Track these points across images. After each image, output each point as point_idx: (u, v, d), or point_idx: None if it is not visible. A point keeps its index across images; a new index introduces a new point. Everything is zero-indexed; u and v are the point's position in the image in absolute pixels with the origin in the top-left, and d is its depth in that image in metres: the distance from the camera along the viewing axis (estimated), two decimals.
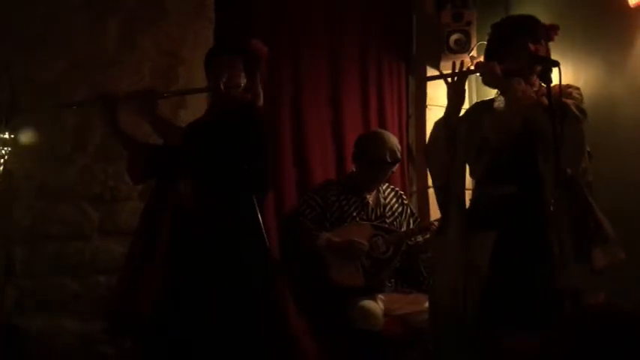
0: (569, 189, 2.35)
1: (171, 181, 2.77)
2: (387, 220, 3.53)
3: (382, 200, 3.56)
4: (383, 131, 3.75)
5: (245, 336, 2.61)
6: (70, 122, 3.80)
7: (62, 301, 3.69)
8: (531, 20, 2.67)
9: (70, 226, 3.78)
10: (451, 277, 2.52)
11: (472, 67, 2.72)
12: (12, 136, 3.61)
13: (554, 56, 2.54)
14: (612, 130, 3.06)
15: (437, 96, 4.14)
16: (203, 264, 2.63)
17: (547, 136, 2.29)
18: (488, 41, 2.75)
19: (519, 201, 2.48)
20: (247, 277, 2.66)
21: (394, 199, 3.61)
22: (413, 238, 3.51)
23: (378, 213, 3.53)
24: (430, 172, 2.79)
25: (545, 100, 2.35)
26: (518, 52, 2.57)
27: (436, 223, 3.43)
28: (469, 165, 2.67)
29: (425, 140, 4.17)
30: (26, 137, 3.67)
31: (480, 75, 2.63)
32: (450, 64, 2.71)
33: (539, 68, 2.53)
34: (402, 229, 3.54)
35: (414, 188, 4.36)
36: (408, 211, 3.64)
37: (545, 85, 2.36)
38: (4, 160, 3.54)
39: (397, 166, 3.61)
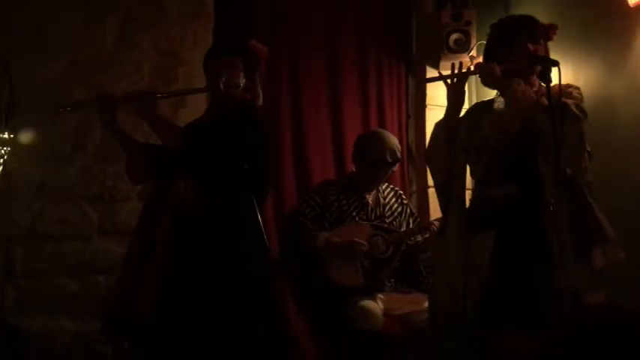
0: (569, 189, 2.35)
1: (171, 182, 2.77)
2: (387, 220, 3.52)
3: (382, 200, 3.56)
4: (383, 131, 3.74)
5: (245, 336, 2.61)
6: (70, 122, 3.80)
7: (61, 301, 3.69)
8: (530, 20, 2.67)
9: (70, 226, 3.79)
10: (451, 276, 2.52)
11: (472, 68, 2.71)
12: (11, 136, 3.61)
13: (554, 56, 2.54)
14: (612, 130, 3.06)
15: (436, 96, 4.14)
16: (203, 264, 2.63)
17: (547, 136, 2.30)
18: (487, 42, 2.75)
19: (519, 201, 2.48)
20: (247, 277, 2.65)
21: (394, 199, 3.61)
22: (412, 238, 3.51)
23: (378, 213, 3.53)
24: (431, 173, 2.79)
25: (545, 100, 2.35)
26: (517, 53, 2.57)
27: (436, 223, 3.43)
28: (469, 165, 2.66)
29: (425, 140, 4.18)
30: (26, 137, 3.67)
31: (479, 76, 2.63)
32: (449, 63, 2.71)
33: (538, 68, 2.54)
34: (402, 229, 3.53)
35: (414, 188, 4.36)
36: (408, 210, 3.64)
37: (545, 85, 2.36)
38: (4, 160, 3.54)
39: (397, 165, 3.61)
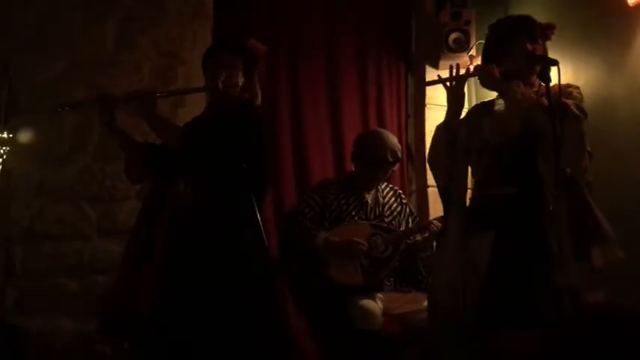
0: (568, 188, 2.35)
1: (170, 181, 2.77)
2: (386, 220, 3.52)
3: (381, 199, 3.56)
4: (382, 130, 3.74)
5: (245, 336, 2.61)
6: (69, 122, 3.81)
7: (61, 301, 3.70)
8: (528, 20, 2.67)
9: (69, 226, 3.79)
10: (450, 276, 2.52)
11: (471, 67, 2.72)
12: (11, 135, 3.61)
13: (553, 56, 2.54)
14: (612, 130, 3.05)
15: (436, 95, 4.14)
16: (202, 264, 2.63)
17: (547, 136, 2.29)
18: (486, 42, 2.74)
19: (519, 201, 2.48)
20: (247, 277, 2.65)
21: (393, 199, 3.61)
22: (412, 237, 3.51)
23: (377, 212, 3.53)
24: (434, 177, 2.78)
25: (545, 101, 2.35)
26: (516, 53, 2.57)
27: (435, 222, 3.43)
28: (471, 167, 2.67)
29: (424, 139, 4.19)
30: (25, 137, 3.68)
31: (479, 78, 2.63)
32: (449, 63, 2.71)
33: (538, 68, 2.54)
34: (401, 229, 3.53)
35: (413, 187, 4.36)
36: (407, 210, 3.64)
37: (544, 85, 2.36)
38: (3, 159, 3.55)
39: (397, 165, 3.61)
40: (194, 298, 2.59)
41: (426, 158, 2.87)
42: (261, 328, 2.68)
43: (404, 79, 4.47)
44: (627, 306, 1.77)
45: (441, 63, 4.12)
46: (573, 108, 2.41)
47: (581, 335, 1.66)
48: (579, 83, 2.76)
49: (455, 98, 2.64)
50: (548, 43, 2.68)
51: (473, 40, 4.05)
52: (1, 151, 3.53)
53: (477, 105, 2.99)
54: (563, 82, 2.38)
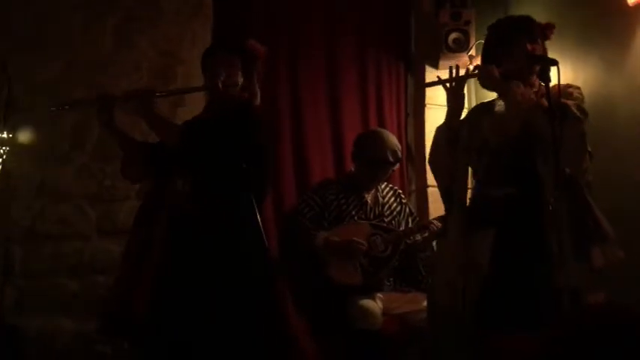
0: (568, 188, 2.35)
1: (169, 180, 2.77)
2: (386, 219, 3.52)
3: (381, 199, 3.56)
4: (382, 130, 3.74)
5: (244, 336, 2.61)
6: (68, 122, 3.80)
7: (61, 301, 3.69)
8: (527, 20, 2.67)
9: (69, 226, 3.79)
10: (450, 276, 2.53)
11: (471, 67, 2.72)
12: (10, 135, 3.61)
13: (553, 56, 2.54)
14: (611, 130, 3.05)
15: (436, 95, 4.14)
16: (202, 264, 2.62)
17: (546, 138, 2.29)
18: (485, 43, 2.74)
19: (519, 201, 2.48)
20: (247, 277, 2.65)
21: (393, 198, 3.61)
22: (411, 237, 3.50)
23: (377, 212, 3.52)
24: (435, 178, 2.78)
25: (545, 101, 2.35)
26: (516, 53, 2.56)
27: (435, 222, 3.43)
28: (471, 167, 2.67)
29: (424, 139, 4.19)
30: (24, 136, 3.68)
31: (478, 79, 2.62)
32: (448, 63, 2.71)
33: (537, 68, 2.53)
34: (401, 228, 3.53)
35: (413, 187, 4.36)
36: (407, 210, 3.64)
37: (544, 85, 2.36)
38: (3, 159, 3.54)
39: (397, 165, 3.61)
40: (194, 298, 2.58)
41: (427, 159, 2.86)
42: (261, 328, 2.67)
43: (404, 79, 4.47)
44: (627, 306, 1.76)
45: (441, 63, 4.12)
46: (574, 109, 2.41)
47: (581, 335, 1.66)
48: (579, 83, 2.77)
49: (455, 99, 2.64)
50: (547, 43, 2.68)
51: (472, 40, 4.05)
52: (1, 151, 3.53)
53: (477, 105, 2.99)
54: (563, 82, 2.38)
